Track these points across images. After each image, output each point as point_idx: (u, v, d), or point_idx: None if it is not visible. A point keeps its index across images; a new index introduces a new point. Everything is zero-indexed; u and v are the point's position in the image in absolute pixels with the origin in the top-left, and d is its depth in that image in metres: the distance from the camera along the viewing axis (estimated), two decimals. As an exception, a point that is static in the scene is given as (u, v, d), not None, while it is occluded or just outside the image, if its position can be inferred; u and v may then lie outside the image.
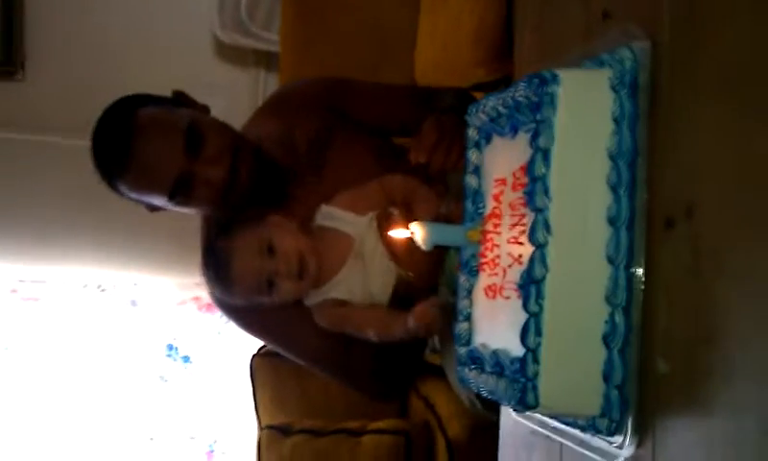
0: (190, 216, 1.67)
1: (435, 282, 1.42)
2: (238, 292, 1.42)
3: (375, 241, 1.41)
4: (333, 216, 1.44)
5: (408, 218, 1.29)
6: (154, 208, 1.55)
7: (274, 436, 2.05)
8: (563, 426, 0.91)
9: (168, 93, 1.59)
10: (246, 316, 1.59)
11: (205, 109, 1.58)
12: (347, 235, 1.42)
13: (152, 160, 1.44)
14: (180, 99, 1.57)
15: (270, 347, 2.14)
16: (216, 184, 1.46)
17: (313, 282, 1.40)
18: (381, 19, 2.46)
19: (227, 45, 2.78)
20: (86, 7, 2.80)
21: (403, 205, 1.40)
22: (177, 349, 2.94)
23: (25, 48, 2.78)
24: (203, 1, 2.75)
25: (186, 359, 2.94)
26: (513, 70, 1.29)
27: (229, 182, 1.47)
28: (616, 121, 0.84)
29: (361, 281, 1.41)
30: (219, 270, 1.41)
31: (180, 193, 1.46)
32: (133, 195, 1.51)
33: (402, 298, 1.39)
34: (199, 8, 2.77)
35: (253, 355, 2.30)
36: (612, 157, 0.84)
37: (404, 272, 1.39)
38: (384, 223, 1.40)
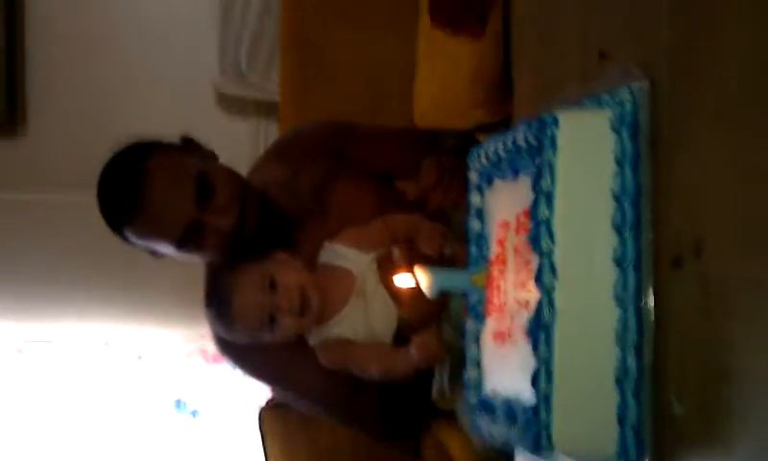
0: (193, 267, 1.67)
1: (437, 322, 1.41)
2: (239, 328, 1.41)
3: (376, 282, 1.40)
4: (337, 253, 1.44)
5: (410, 260, 1.29)
6: (158, 255, 1.54)
7: (285, 488, 2.03)
8: (579, 469, 0.90)
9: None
10: (249, 357, 1.58)
11: (213, 156, 1.58)
12: (349, 272, 1.42)
13: (162, 208, 1.44)
14: (189, 144, 1.57)
15: (276, 394, 2.12)
16: (224, 233, 1.47)
17: (316, 319, 1.39)
18: (379, 63, 2.48)
19: (227, 95, 2.80)
20: (86, 60, 2.83)
21: (406, 243, 1.40)
22: (185, 404, 2.91)
23: (26, 105, 2.80)
24: (202, 53, 2.78)
25: (195, 413, 2.91)
26: (512, 111, 1.30)
27: (237, 231, 1.47)
28: (618, 162, 0.84)
29: (363, 319, 1.41)
30: (220, 306, 1.40)
31: (188, 241, 1.46)
32: (141, 242, 1.50)
33: (405, 338, 1.38)
34: (198, 59, 2.80)
35: (261, 407, 2.28)
36: (616, 198, 0.83)
37: (406, 314, 1.38)
38: (386, 265, 1.40)
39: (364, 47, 2.53)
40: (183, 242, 1.46)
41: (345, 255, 1.43)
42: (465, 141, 1.65)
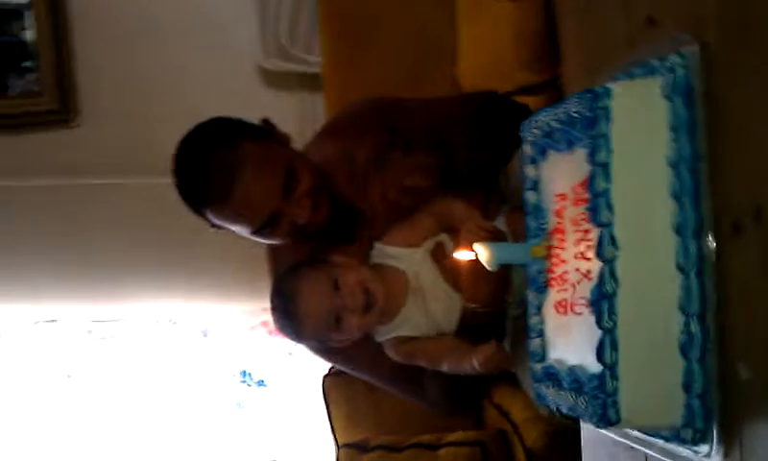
0: (253, 243, 1.69)
1: (501, 305, 1.41)
2: (307, 333, 1.43)
3: (434, 274, 1.41)
4: (386, 253, 1.44)
5: (468, 244, 1.29)
6: (217, 227, 1.55)
7: (351, 454, 2.08)
8: (647, 437, 0.91)
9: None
10: (321, 346, 1.61)
11: (288, 139, 1.59)
12: (401, 272, 1.42)
13: (252, 198, 1.44)
14: (268, 127, 1.58)
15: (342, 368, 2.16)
16: (299, 223, 1.49)
17: (379, 316, 1.40)
18: (421, 30, 2.47)
19: (271, 72, 2.82)
20: (132, 47, 2.87)
21: (454, 228, 1.40)
22: (250, 374, 2.98)
23: (78, 94, 2.86)
24: (244, 32, 2.80)
25: (261, 383, 2.98)
26: (558, 72, 1.29)
27: (310, 221, 1.49)
28: (674, 129, 0.84)
29: (425, 315, 1.41)
30: (287, 312, 1.42)
31: (267, 228, 1.49)
32: (218, 222, 1.51)
33: (470, 325, 1.39)
34: (241, 39, 2.82)
35: (325, 375, 2.33)
36: (673, 166, 0.83)
37: (469, 304, 1.38)
38: (440, 255, 1.40)
39: (404, 13, 2.52)
40: (262, 229, 1.48)
41: (394, 255, 1.43)
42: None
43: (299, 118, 2.84)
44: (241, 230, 1.51)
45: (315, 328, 1.40)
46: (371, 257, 1.45)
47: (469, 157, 1.63)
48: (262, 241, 1.56)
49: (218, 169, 1.44)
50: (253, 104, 2.72)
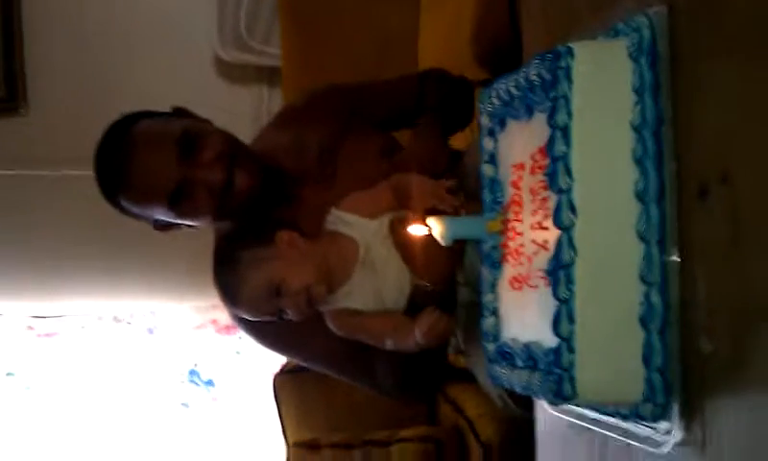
0: (202, 239, 1.64)
1: (452, 285, 1.38)
2: (247, 315, 1.41)
3: (386, 248, 1.36)
4: (342, 220, 1.40)
5: (421, 219, 1.25)
6: (162, 227, 1.53)
7: (302, 453, 2.03)
8: (603, 417, 0.87)
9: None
10: (263, 329, 1.57)
11: (206, 122, 1.56)
12: (353, 241, 1.38)
13: (147, 171, 1.45)
14: (181, 113, 1.55)
15: (291, 360, 2.11)
16: (214, 189, 1.45)
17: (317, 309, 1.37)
18: (381, 22, 2.44)
19: (228, 63, 2.76)
20: (84, 35, 2.80)
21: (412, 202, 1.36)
22: (199, 373, 2.90)
23: (26, 82, 2.77)
24: (202, 21, 2.74)
25: (209, 383, 2.90)
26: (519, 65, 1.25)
27: (227, 186, 1.45)
28: (637, 92, 0.80)
29: (372, 290, 1.36)
30: (227, 296, 1.39)
31: (179, 201, 1.45)
32: (136, 210, 1.51)
33: (419, 304, 1.34)
34: (198, 28, 2.76)
35: (276, 374, 2.27)
36: (636, 129, 0.79)
37: (420, 281, 1.34)
38: (398, 229, 1.36)
39: (365, 7, 2.49)
40: (175, 202, 1.45)
41: (349, 223, 1.38)
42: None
43: (255, 112, 2.79)
44: (161, 214, 1.48)
45: (255, 317, 1.39)
46: (325, 223, 1.40)
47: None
48: (192, 221, 1.52)
49: (113, 156, 1.46)
50: (210, 95, 2.67)
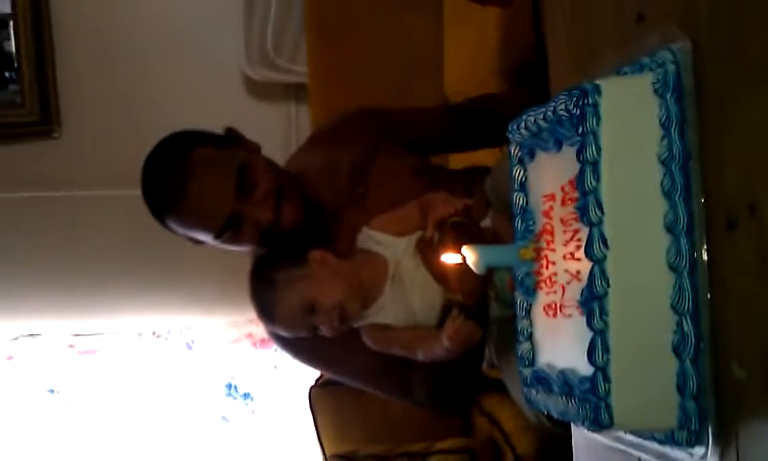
0: (236, 255, 1.69)
1: (485, 298, 1.41)
2: (283, 332, 1.47)
3: (416, 264, 1.40)
4: (372, 239, 1.44)
5: (453, 240, 1.28)
6: (198, 242, 1.57)
7: (340, 466, 2.05)
8: (640, 440, 0.89)
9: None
10: (299, 345, 1.61)
11: (256, 147, 1.60)
12: (383, 259, 1.42)
13: (204, 201, 1.47)
14: (232, 136, 1.58)
15: (326, 374, 2.14)
16: (261, 225, 1.49)
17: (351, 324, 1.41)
18: (406, 39, 2.47)
19: (256, 82, 2.81)
20: (115, 58, 2.85)
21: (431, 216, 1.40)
22: (236, 387, 2.95)
23: (60, 105, 2.83)
24: (229, 41, 2.78)
25: (247, 396, 2.95)
26: (546, 81, 1.28)
27: (274, 222, 1.49)
28: (664, 126, 0.82)
29: (403, 305, 1.40)
30: (264, 314, 1.45)
31: (227, 232, 1.49)
32: (182, 231, 1.54)
33: None
34: (226, 48, 2.80)
35: (311, 387, 2.31)
36: (664, 163, 0.82)
37: (452, 295, 1.37)
38: (425, 247, 1.39)
39: (390, 24, 2.51)
40: (222, 233, 1.49)
41: (379, 241, 1.43)
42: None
43: (284, 129, 2.83)
44: (206, 239, 1.52)
45: (290, 335, 1.44)
46: (356, 241, 1.44)
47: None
48: (234, 249, 1.56)
49: (170, 178, 1.48)
50: (238, 114, 2.71)
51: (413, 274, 1.39)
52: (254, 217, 1.49)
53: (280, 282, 1.42)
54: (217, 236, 1.51)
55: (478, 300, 1.38)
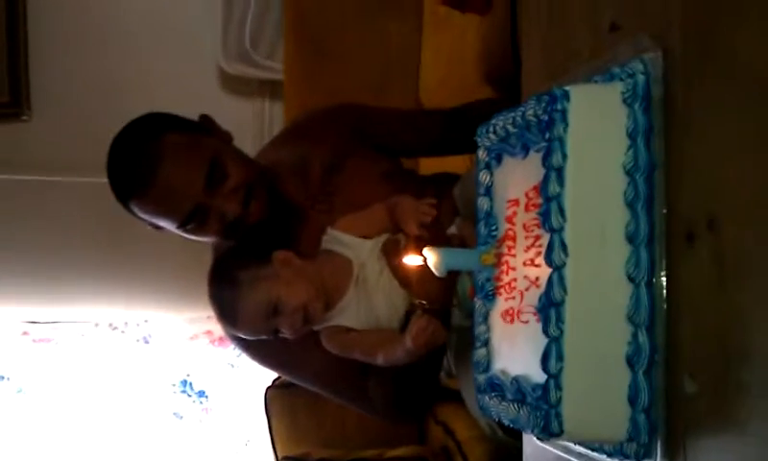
0: (198, 251, 1.66)
1: (449, 304, 1.39)
2: (243, 334, 1.43)
3: (380, 267, 1.38)
4: (337, 240, 1.42)
5: (415, 244, 1.27)
6: (158, 227, 1.54)
7: (292, 468, 2.03)
8: (589, 452, 0.88)
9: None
10: (256, 346, 1.58)
11: (228, 137, 1.57)
12: (348, 260, 1.40)
13: (172, 188, 1.44)
14: (206, 124, 1.56)
15: (283, 377, 2.12)
16: (226, 218, 1.46)
17: (319, 318, 1.38)
18: (384, 42, 2.46)
19: (231, 76, 2.78)
20: (89, 43, 2.81)
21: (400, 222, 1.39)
22: (191, 384, 2.91)
23: (30, 88, 2.78)
24: (206, 33, 2.76)
25: (201, 394, 2.91)
26: (520, 89, 1.27)
27: (241, 217, 1.46)
28: (631, 136, 0.82)
29: (365, 307, 1.38)
30: (224, 315, 1.41)
31: (192, 223, 1.46)
32: (145, 216, 1.50)
33: None
34: (203, 40, 2.78)
35: (268, 387, 2.28)
36: (629, 173, 0.81)
37: (416, 299, 1.36)
38: (391, 250, 1.38)
39: (367, 25, 2.51)
40: (186, 223, 1.46)
41: (345, 242, 1.40)
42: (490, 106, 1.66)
43: (257, 124, 2.81)
44: (169, 226, 1.49)
45: (251, 336, 1.41)
46: (321, 242, 1.42)
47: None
48: (194, 238, 1.53)
49: (139, 160, 1.44)
50: (212, 106, 2.65)
51: (377, 277, 1.38)
52: (221, 210, 1.46)
53: (243, 282, 1.39)
54: (181, 226, 1.48)
55: (442, 305, 1.37)
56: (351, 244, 1.40)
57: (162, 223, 1.50)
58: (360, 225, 1.43)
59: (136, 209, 1.49)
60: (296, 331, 1.37)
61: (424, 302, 1.35)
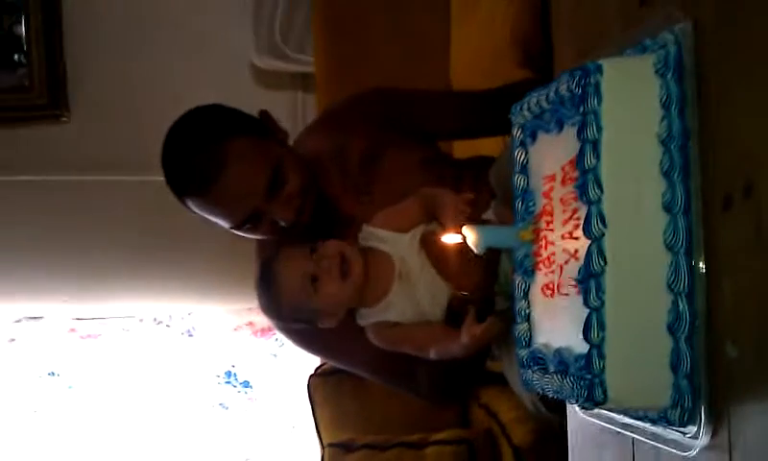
0: (239, 244, 1.68)
1: (491, 293, 1.40)
2: (285, 302, 1.41)
3: (421, 260, 1.39)
4: (374, 236, 1.42)
5: (445, 224, 1.28)
6: (209, 222, 1.56)
7: (337, 453, 2.06)
8: (633, 422, 0.90)
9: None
10: (304, 334, 1.60)
11: (285, 135, 1.59)
12: (387, 256, 1.40)
13: (234, 193, 1.45)
14: (266, 122, 1.57)
15: (329, 363, 2.14)
16: (279, 224, 1.48)
17: (358, 287, 1.37)
18: (413, 30, 2.47)
19: (264, 71, 2.81)
20: (126, 43, 2.86)
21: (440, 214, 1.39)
22: (235, 375, 2.96)
23: (68, 90, 2.84)
24: (238, 30, 2.79)
25: (246, 384, 2.96)
26: (552, 69, 1.28)
27: (294, 222, 1.49)
28: (665, 106, 0.82)
29: (410, 301, 1.38)
30: (267, 285, 1.41)
31: (246, 225, 1.48)
32: (199, 212, 1.51)
33: (457, 312, 1.37)
34: (235, 36, 2.82)
35: (310, 376, 2.31)
36: (663, 143, 0.82)
37: (457, 291, 1.37)
38: (430, 241, 1.38)
39: (397, 13, 2.52)
40: (242, 225, 1.48)
41: (382, 238, 1.41)
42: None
43: (290, 118, 2.84)
44: (223, 224, 1.51)
45: (292, 297, 1.39)
46: (359, 240, 1.44)
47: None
48: (245, 236, 1.56)
49: (203, 161, 1.45)
50: (245, 102, 2.70)
51: (419, 269, 1.38)
52: (275, 215, 1.48)
53: (284, 248, 1.42)
54: (236, 227, 1.50)
55: (483, 293, 1.37)
56: (389, 239, 1.40)
57: (218, 221, 1.52)
58: (395, 219, 1.43)
59: (192, 205, 1.51)
60: (335, 280, 1.35)
61: (466, 293, 1.36)
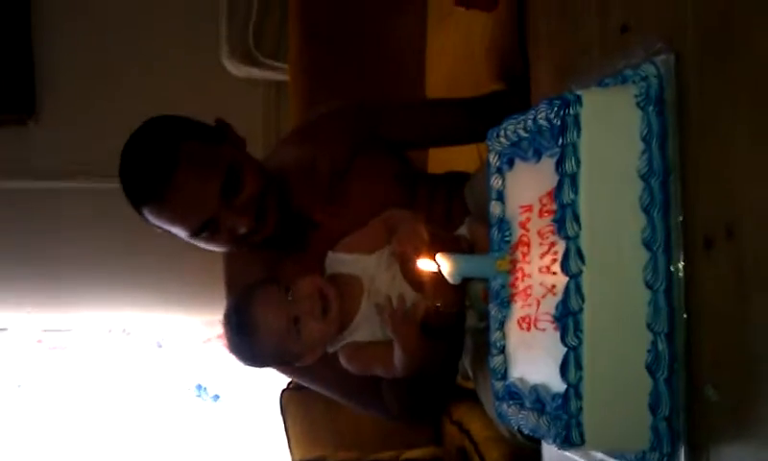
0: (211, 255, 1.65)
1: (463, 306, 1.38)
2: (267, 349, 1.38)
3: (393, 274, 1.37)
4: (340, 261, 1.41)
5: (429, 249, 1.25)
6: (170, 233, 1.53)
7: (308, 471, 2.03)
8: (611, 459, 0.87)
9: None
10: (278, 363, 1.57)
11: (242, 142, 1.56)
12: (356, 277, 1.38)
13: (186, 199, 1.42)
14: (221, 129, 1.54)
15: (301, 383, 2.11)
16: (237, 232, 1.45)
17: (338, 321, 1.36)
18: (388, 38, 2.45)
19: (237, 78, 2.78)
20: (94, 48, 2.82)
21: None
22: (206, 388, 2.92)
23: (36, 94, 2.79)
24: (211, 35, 2.76)
25: (216, 398, 2.92)
26: (528, 85, 1.26)
27: (254, 230, 1.46)
28: (645, 140, 0.80)
29: (380, 320, 1.37)
30: (243, 334, 1.37)
31: (203, 233, 1.45)
32: (156, 223, 1.48)
33: (432, 329, 1.34)
34: (207, 42, 2.78)
35: (283, 390, 2.28)
36: (644, 178, 0.80)
37: (431, 301, 1.34)
38: (405, 257, 1.36)
39: (373, 23, 2.49)
40: (199, 233, 1.45)
41: (348, 261, 1.39)
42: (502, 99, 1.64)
43: (263, 124, 2.81)
44: (180, 234, 1.48)
45: (274, 343, 1.36)
46: (325, 267, 1.41)
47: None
48: (205, 246, 1.52)
49: (154, 168, 1.42)
50: (218, 108, 2.67)
51: (390, 285, 1.36)
52: (233, 224, 1.45)
53: (254, 291, 1.38)
54: (193, 236, 1.47)
55: (456, 307, 1.35)
56: (355, 262, 1.39)
57: (175, 231, 1.50)
58: (360, 242, 1.41)
59: (149, 216, 1.48)
60: (317, 319, 1.33)
61: (438, 304, 1.34)
